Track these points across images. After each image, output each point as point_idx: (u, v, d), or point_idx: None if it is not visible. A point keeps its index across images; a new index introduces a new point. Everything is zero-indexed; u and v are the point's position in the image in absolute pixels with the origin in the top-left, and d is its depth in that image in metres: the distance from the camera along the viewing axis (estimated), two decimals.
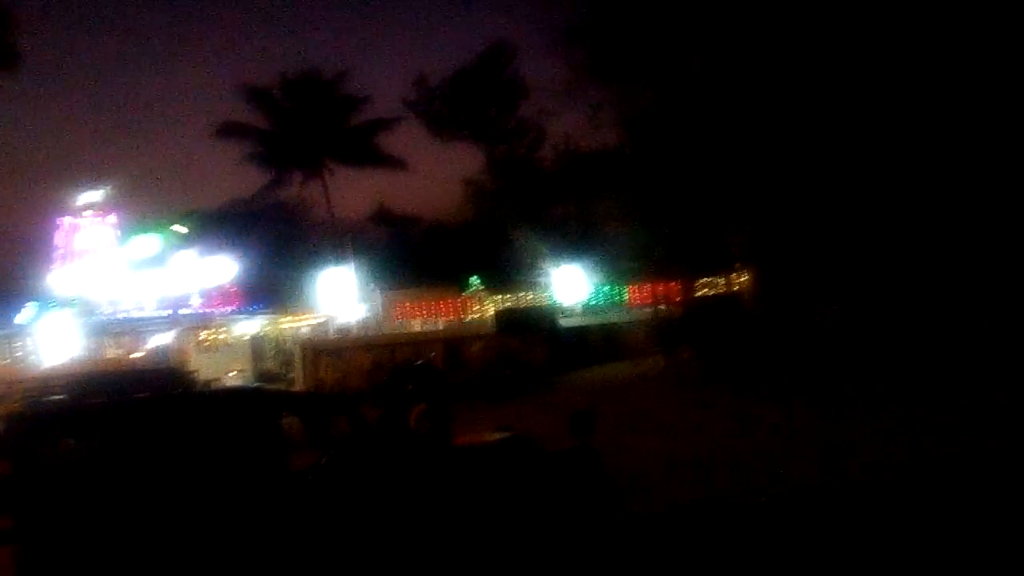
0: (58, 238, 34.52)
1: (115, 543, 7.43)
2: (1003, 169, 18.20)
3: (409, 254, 42.67)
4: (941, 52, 18.25)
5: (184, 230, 34.37)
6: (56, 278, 33.03)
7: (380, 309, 35.89)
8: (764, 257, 24.26)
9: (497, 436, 9.90)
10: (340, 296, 34.33)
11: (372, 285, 36.17)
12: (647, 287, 33.45)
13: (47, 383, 17.95)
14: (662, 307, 29.91)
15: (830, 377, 17.73)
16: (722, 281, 33.74)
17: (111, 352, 32.42)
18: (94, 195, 35.02)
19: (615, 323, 31.40)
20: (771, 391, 17.79)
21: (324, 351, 29.06)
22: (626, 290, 35.54)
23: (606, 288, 35.77)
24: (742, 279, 30.76)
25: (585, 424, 9.07)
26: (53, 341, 30.21)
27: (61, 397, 8.63)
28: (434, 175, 75.90)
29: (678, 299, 29.85)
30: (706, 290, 33.42)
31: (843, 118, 19.67)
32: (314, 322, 35.63)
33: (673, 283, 30.59)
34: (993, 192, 18.34)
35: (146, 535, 7.49)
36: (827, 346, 19.56)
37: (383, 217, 48.48)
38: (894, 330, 19.29)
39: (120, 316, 32.65)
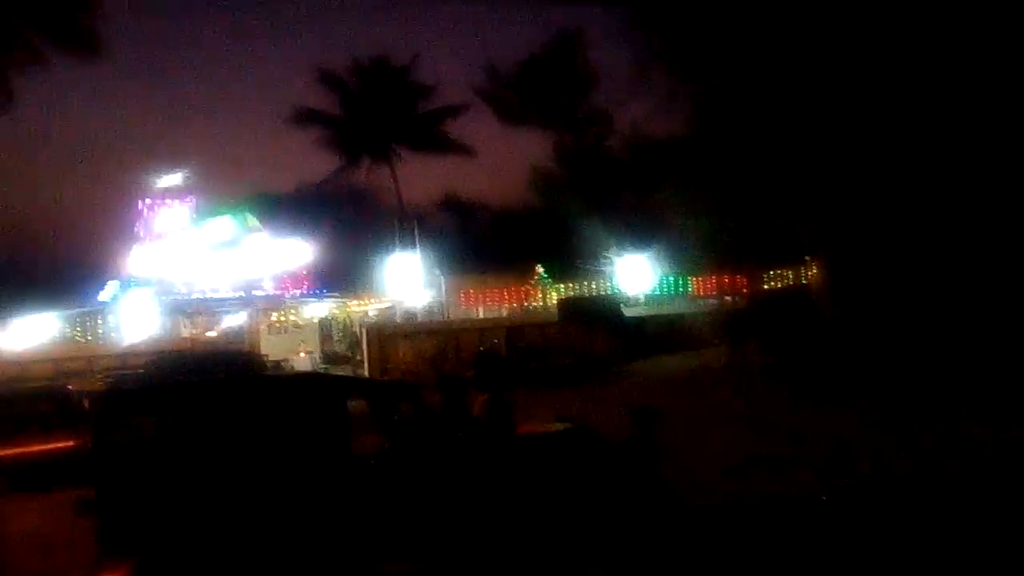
0: (138, 219, 35.55)
1: (187, 517, 7.82)
2: None
3: (475, 241, 42.93)
4: None
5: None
6: (136, 258, 33.98)
7: (445, 295, 36.25)
8: (836, 249, 23.90)
9: (559, 426, 10.08)
10: (406, 281, 34.73)
11: (437, 271, 36.53)
12: (712, 278, 33.24)
13: (126, 360, 18.68)
14: (727, 299, 29.71)
15: (907, 382, 17.30)
16: (790, 274, 33.38)
17: (186, 331, 33.36)
18: (173, 178, 35.94)
19: (679, 314, 31.25)
20: (838, 391, 17.56)
21: (389, 335, 29.52)
22: (691, 281, 35.33)
23: (671, 278, 35.60)
24: (811, 272, 30.38)
25: (647, 420, 9.18)
26: (132, 319, 31.18)
27: (141, 374, 9.00)
28: (502, 162, 75.98)
29: (744, 291, 29.61)
30: (773, 283, 33.10)
31: (928, 97, 18.98)
32: (381, 306, 36.13)
33: (739, 275, 30.37)
34: None
35: (216, 510, 7.88)
36: (907, 348, 19.06)
37: (450, 203, 48.87)
38: (988, 335, 18.57)
39: (195, 296, 33.52)
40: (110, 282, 35.34)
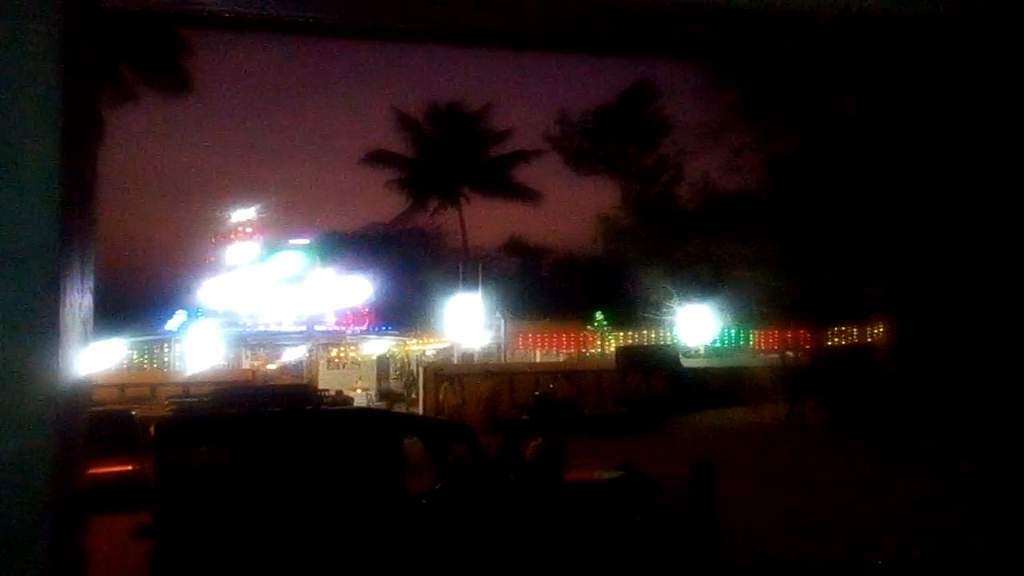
0: (210, 252, 36.50)
1: (242, 546, 7.94)
2: None
3: (536, 285, 43.05)
4: None
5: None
6: (206, 289, 34.81)
7: (503, 338, 36.37)
8: (907, 310, 23.45)
9: (608, 475, 10.03)
10: (466, 323, 34.95)
11: (497, 314, 36.70)
12: (775, 333, 32.82)
13: (188, 389, 19.08)
14: (789, 354, 29.28)
15: (970, 448, 16.79)
16: (855, 331, 32.80)
17: (247, 363, 33.97)
18: (246, 213, 36.89)
19: (739, 367, 30.88)
20: (899, 453, 17.16)
21: (446, 375, 29.67)
22: (752, 334, 34.91)
23: (732, 331, 35.24)
24: (877, 331, 29.80)
25: (705, 477, 9.00)
26: (197, 349, 31.88)
27: (204, 403, 9.25)
28: (568, 208, 76.25)
29: (807, 347, 29.18)
30: (837, 340, 32.54)
31: (1012, 157, 18.70)
32: (439, 346, 36.40)
33: (803, 330, 29.94)
34: None
35: (271, 539, 7.99)
36: (975, 416, 18.49)
37: (514, 247, 49.15)
38: None
39: (259, 329, 34.16)
40: (178, 312, 36.19)
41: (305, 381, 29.03)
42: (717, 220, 28.80)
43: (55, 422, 1.75)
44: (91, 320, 2.10)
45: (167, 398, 16.55)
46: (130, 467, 13.55)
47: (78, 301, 1.96)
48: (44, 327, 1.74)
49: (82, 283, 1.97)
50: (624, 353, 32.11)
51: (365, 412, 14.18)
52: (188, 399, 13.28)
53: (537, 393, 27.00)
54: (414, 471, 9.10)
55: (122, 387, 25.70)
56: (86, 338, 2.06)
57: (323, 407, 12.97)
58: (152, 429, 8.57)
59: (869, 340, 31.03)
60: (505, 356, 35.92)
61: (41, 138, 1.77)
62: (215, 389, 11.26)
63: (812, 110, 22.60)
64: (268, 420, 8.58)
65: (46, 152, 1.76)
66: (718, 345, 35.66)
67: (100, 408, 18.95)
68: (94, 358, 2.05)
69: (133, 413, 16.75)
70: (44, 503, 1.73)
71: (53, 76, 1.75)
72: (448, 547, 8.33)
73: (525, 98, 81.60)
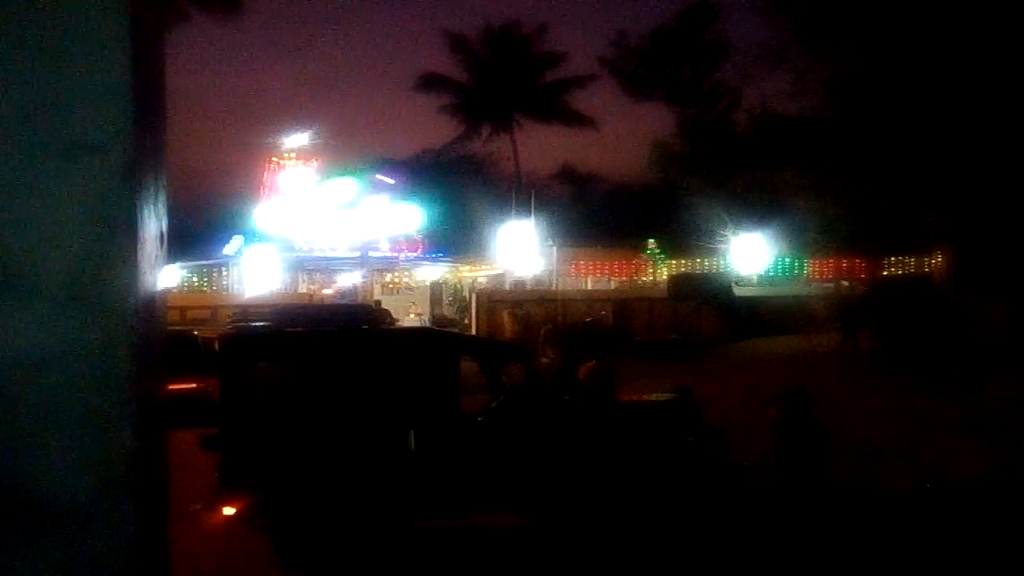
0: (264, 177, 36.66)
1: (303, 455, 8.23)
2: None
3: (589, 213, 42.84)
4: None
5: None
6: (261, 215, 35.07)
7: (555, 265, 36.37)
8: (967, 240, 22.96)
9: (659, 397, 10.14)
10: (518, 249, 34.94)
11: (549, 241, 36.65)
12: (830, 262, 32.39)
13: (247, 312, 19.42)
14: (844, 283, 28.91)
15: None
16: (912, 261, 32.22)
17: (304, 288, 34.46)
18: (299, 139, 36.91)
19: (792, 296, 30.58)
20: (958, 384, 16.95)
21: (499, 301, 29.84)
22: (807, 263, 34.49)
23: (786, 260, 34.83)
24: (936, 261, 29.26)
25: (801, 403, 8.66)
26: (254, 273, 32.35)
27: (266, 324, 9.46)
28: (621, 135, 75.29)
29: (862, 276, 28.77)
30: (893, 270, 32.03)
31: None
32: (492, 273, 36.53)
33: (859, 260, 29.51)
34: None
35: (330, 451, 8.26)
36: None
37: (567, 174, 48.82)
38: None
39: (315, 254, 34.52)
40: (235, 237, 36.61)
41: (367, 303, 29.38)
42: (775, 147, 28.24)
43: (135, 312, 1.72)
44: (166, 216, 2.06)
45: (230, 316, 16.95)
46: (194, 385, 13.93)
47: (153, 194, 1.92)
48: (120, 217, 1.70)
49: (157, 175, 1.94)
50: (676, 281, 32.02)
51: (421, 331, 14.38)
52: (248, 319, 13.56)
53: (588, 319, 27.13)
54: (471, 391, 9.30)
55: (183, 309, 26.16)
56: (162, 231, 2.02)
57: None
58: (216, 345, 8.82)
59: (927, 270, 30.50)
60: (557, 283, 35.99)
61: (110, 11, 1.66)
62: (277, 308, 11.51)
63: (877, 32, 21.89)
64: (328, 337, 8.77)
65: (116, 28, 1.67)
66: (772, 274, 35.31)
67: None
68: (169, 263, 2.03)
69: (195, 333, 17.16)
70: (129, 391, 1.70)
71: None
72: (500, 462, 8.52)
73: (579, 20, 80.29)
